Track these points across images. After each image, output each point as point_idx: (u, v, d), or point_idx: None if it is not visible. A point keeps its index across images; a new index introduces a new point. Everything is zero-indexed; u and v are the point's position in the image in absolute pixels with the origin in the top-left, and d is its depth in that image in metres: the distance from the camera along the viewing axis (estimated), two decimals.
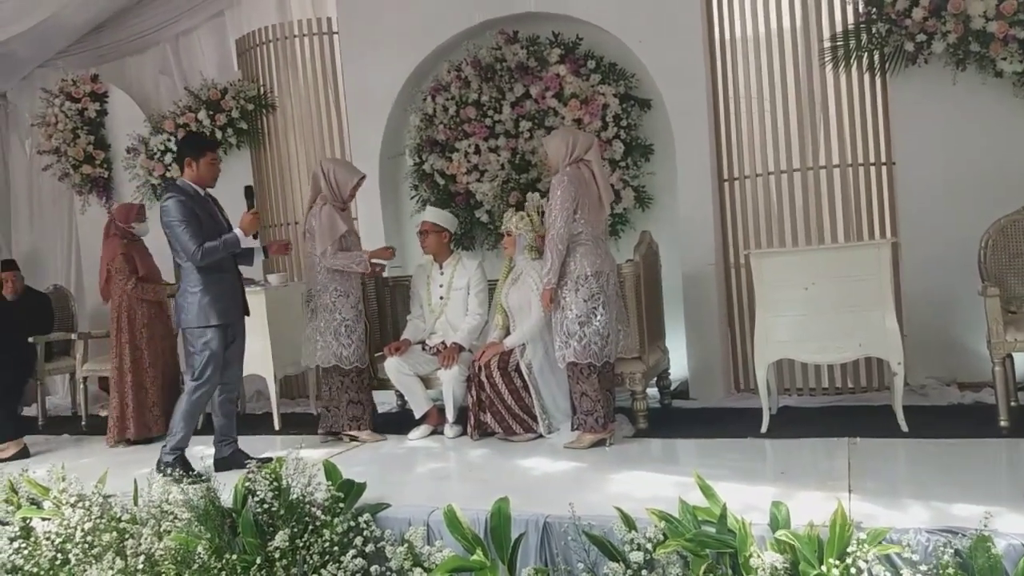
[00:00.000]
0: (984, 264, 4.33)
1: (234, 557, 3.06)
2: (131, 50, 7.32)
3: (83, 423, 6.06)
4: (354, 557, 2.97)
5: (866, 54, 4.80)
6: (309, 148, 6.40)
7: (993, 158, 4.61)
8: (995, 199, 4.41)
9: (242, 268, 4.31)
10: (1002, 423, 3.77)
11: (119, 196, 7.12)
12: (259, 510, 3.16)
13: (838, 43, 4.85)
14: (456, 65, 5.74)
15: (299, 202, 6.42)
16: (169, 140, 6.54)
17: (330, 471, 3.31)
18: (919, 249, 4.72)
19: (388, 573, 2.91)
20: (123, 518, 3.46)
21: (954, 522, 2.53)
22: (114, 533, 3.40)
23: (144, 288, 5.31)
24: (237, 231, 4.07)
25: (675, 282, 5.11)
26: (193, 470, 3.84)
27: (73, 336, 6.38)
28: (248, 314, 4.31)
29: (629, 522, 2.70)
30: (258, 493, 3.19)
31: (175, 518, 3.28)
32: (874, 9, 4.71)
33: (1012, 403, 3.97)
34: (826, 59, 4.89)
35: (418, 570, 2.80)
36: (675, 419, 4.70)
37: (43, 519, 3.65)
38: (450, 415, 4.60)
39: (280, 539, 3.01)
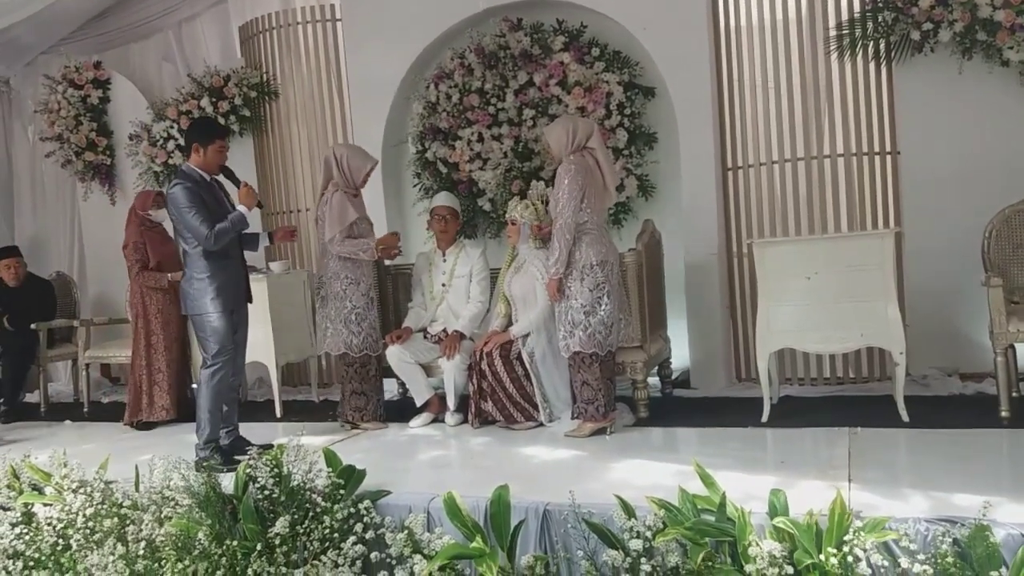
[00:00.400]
0: (987, 254, 4.31)
1: (234, 543, 3.07)
2: (134, 37, 7.29)
3: (85, 409, 6.08)
4: (354, 544, 2.98)
5: (872, 43, 4.77)
6: (312, 136, 6.39)
7: (998, 148, 4.59)
8: (1000, 189, 4.39)
9: (245, 255, 4.31)
10: (1003, 413, 3.77)
11: (122, 183, 7.13)
12: (260, 496, 3.17)
13: (843, 31, 4.82)
14: (459, 53, 5.72)
15: (302, 190, 6.43)
16: (172, 127, 6.52)
17: (331, 458, 3.31)
18: (922, 239, 4.70)
19: (388, 560, 2.91)
20: (124, 504, 3.47)
21: (954, 511, 2.53)
22: (115, 519, 3.41)
23: (146, 276, 5.37)
24: (240, 208, 4.07)
25: (677, 271, 5.11)
26: (234, 460, 3.78)
27: (75, 323, 6.42)
28: (251, 301, 4.31)
29: (629, 510, 2.70)
30: (259, 480, 3.19)
31: (176, 504, 3.29)
32: None
33: (1013, 394, 3.96)
34: (831, 48, 4.86)
35: (418, 557, 2.80)
36: (676, 408, 4.70)
37: (45, 505, 3.67)
38: (451, 403, 4.60)
39: (280, 525, 3.02)
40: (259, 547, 3.04)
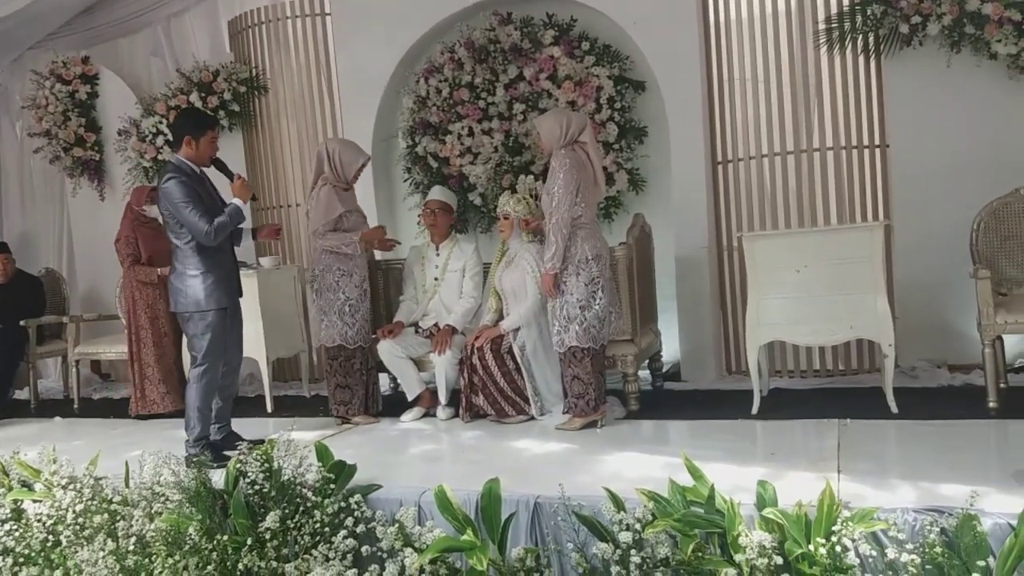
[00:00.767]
0: (976, 247, 4.34)
1: (225, 538, 3.07)
2: (122, 32, 7.25)
3: (75, 406, 6.06)
4: (345, 538, 2.98)
5: (860, 36, 4.78)
6: (302, 130, 6.37)
7: (986, 141, 4.61)
8: (988, 182, 4.41)
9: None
10: (991, 404, 3.80)
11: (111, 179, 7.10)
12: (250, 491, 3.17)
13: (832, 25, 4.83)
14: (449, 47, 5.71)
15: (291, 185, 6.41)
16: (161, 123, 6.49)
17: (321, 453, 3.30)
18: (911, 232, 4.72)
19: (379, 553, 2.91)
20: (114, 500, 3.47)
21: (942, 501, 2.55)
22: (105, 515, 3.40)
23: (136, 270, 5.40)
24: (235, 201, 4.01)
25: (668, 265, 5.12)
26: (224, 456, 3.78)
27: (65, 319, 6.39)
28: (242, 295, 4.28)
29: (618, 502, 2.71)
30: (249, 474, 3.19)
31: (166, 500, 3.28)
32: None
33: (1001, 385, 4.00)
34: (820, 41, 4.87)
35: (409, 550, 2.80)
36: (667, 401, 4.71)
37: (34, 501, 3.65)
38: (443, 397, 4.60)
39: (271, 520, 3.02)
40: (250, 542, 3.04)
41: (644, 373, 4.91)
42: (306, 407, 5.31)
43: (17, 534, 3.54)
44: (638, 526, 2.60)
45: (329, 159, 4.57)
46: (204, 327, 3.95)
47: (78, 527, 3.42)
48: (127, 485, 3.53)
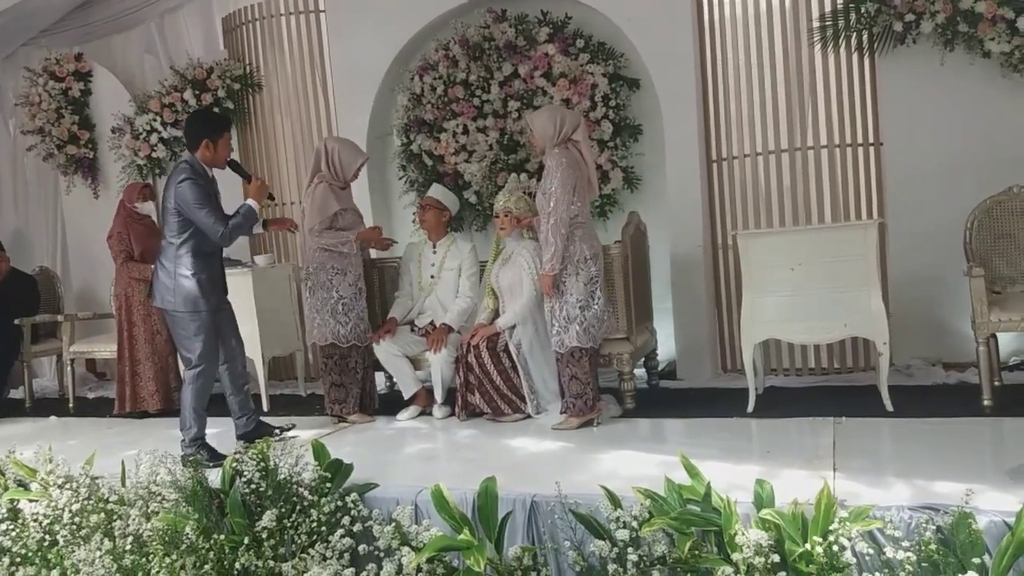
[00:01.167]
0: (969, 245, 4.35)
1: (222, 537, 3.07)
2: (116, 28, 7.21)
3: (71, 405, 6.05)
4: (342, 537, 2.98)
5: (854, 34, 4.79)
6: (296, 128, 6.35)
7: (980, 139, 4.62)
8: (982, 180, 4.42)
9: (227, 249, 4.26)
10: (985, 402, 3.82)
11: (104, 177, 7.07)
12: (247, 490, 3.17)
13: (827, 23, 4.84)
14: (444, 44, 5.70)
15: (286, 182, 6.39)
16: (155, 120, 6.47)
17: (318, 451, 3.31)
18: (905, 230, 4.74)
19: (376, 552, 2.92)
20: (111, 499, 3.46)
21: (937, 499, 2.56)
22: (102, 514, 3.40)
23: (130, 267, 5.40)
24: (249, 202, 4.00)
25: (663, 263, 5.13)
26: (220, 456, 3.82)
27: (59, 318, 6.37)
28: (227, 292, 4.25)
29: (615, 500, 2.72)
30: (245, 474, 3.19)
31: (163, 499, 3.28)
32: None
33: (995, 382, 4.01)
34: (815, 39, 4.88)
35: (406, 549, 2.80)
36: (662, 399, 4.72)
37: (30, 501, 3.65)
38: (439, 396, 4.61)
39: (268, 519, 3.02)
40: (246, 541, 3.04)
41: (640, 371, 4.91)
42: (302, 405, 5.31)
43: (14, 534, 3.54)
44: (635, 524, 2.61)
45: (327, 158, 4.57)
46: (197, 328, 3.95)
47: (75, 527, 3.42)
48: (123, 484, 3.53)
